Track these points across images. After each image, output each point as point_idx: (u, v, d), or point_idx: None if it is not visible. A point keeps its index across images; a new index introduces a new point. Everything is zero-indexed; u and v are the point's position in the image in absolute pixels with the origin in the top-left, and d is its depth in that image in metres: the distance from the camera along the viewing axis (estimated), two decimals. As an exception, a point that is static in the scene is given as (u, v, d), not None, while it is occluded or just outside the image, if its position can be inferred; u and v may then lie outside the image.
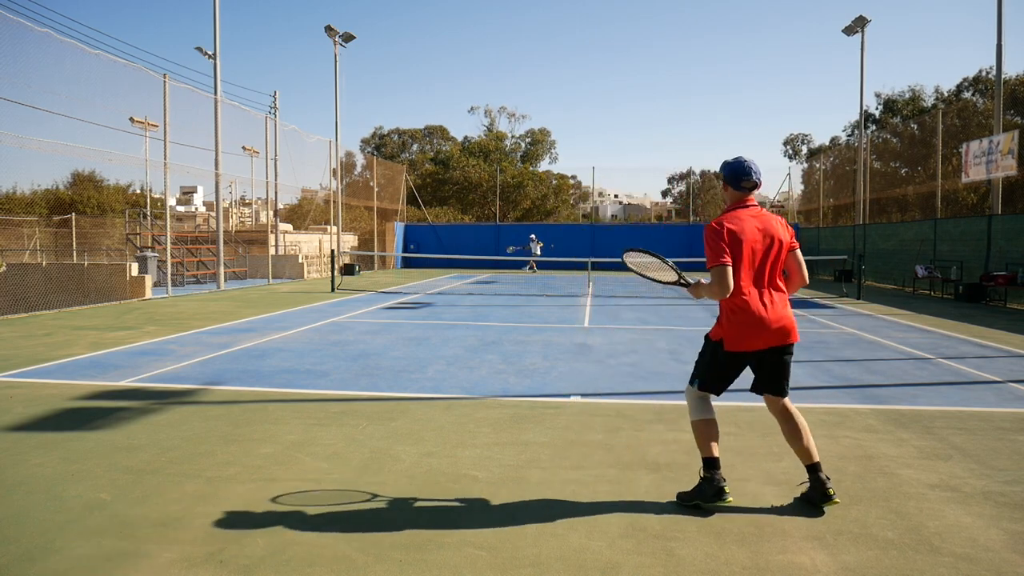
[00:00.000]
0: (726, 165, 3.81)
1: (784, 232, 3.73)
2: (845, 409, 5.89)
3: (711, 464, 3.68)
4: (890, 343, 9.79)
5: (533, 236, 31.08)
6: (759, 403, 6.11)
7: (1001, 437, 5.07)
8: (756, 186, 3.75)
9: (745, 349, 3.65)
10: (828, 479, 3.67)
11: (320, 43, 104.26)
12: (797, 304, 15.80)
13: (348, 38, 28.21)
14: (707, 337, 3.83)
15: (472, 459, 4.47)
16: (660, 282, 3.95)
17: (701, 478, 3.70)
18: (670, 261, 3.93)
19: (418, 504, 3.71)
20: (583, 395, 6.32)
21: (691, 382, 3.86)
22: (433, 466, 4.33)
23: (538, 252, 29.74)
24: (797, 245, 3.82)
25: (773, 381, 3.78)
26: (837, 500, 3.65)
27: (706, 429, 3.76)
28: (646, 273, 4.01)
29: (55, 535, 3.29)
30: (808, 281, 3.92)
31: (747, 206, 3.74)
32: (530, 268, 30.62)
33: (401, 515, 3.56)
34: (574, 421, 5.41)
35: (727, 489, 3.66)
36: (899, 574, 2.96)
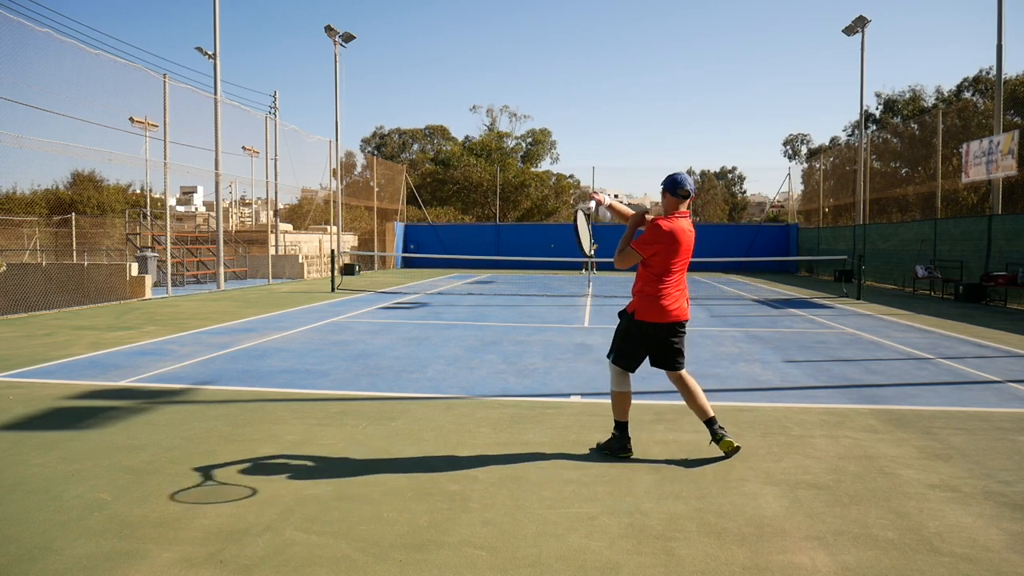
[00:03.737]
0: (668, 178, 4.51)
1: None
2: (845, 409, 5.89)
3: (622, 427, 4.51)
4: (890, 343, 9.79)
5: None
6: (759, 403, 6.13)
7: (1001, 437, 5.07)
8: (689, 195, 4.41)
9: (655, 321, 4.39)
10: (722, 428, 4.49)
11: (320, 43, 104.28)
12: (798, 304, 15.80)
13: (348, 38, 28.21)
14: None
15: (472, 459, 4.47)
16: (582, 247, 4.95)
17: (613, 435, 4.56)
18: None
19: (418, 504, 3.71)
20: (583, 395, 6.32)
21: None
22: (433, 466, 4.33)
23: None
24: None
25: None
26: (737, 445, 4.47)
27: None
28: (581, 237, 4.96)
29: (55, 535, 3.29)
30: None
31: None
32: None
33: (401, 515, 3.56)
34: (574, 421, 5.41)
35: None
36: (899, 574, 2.96)
